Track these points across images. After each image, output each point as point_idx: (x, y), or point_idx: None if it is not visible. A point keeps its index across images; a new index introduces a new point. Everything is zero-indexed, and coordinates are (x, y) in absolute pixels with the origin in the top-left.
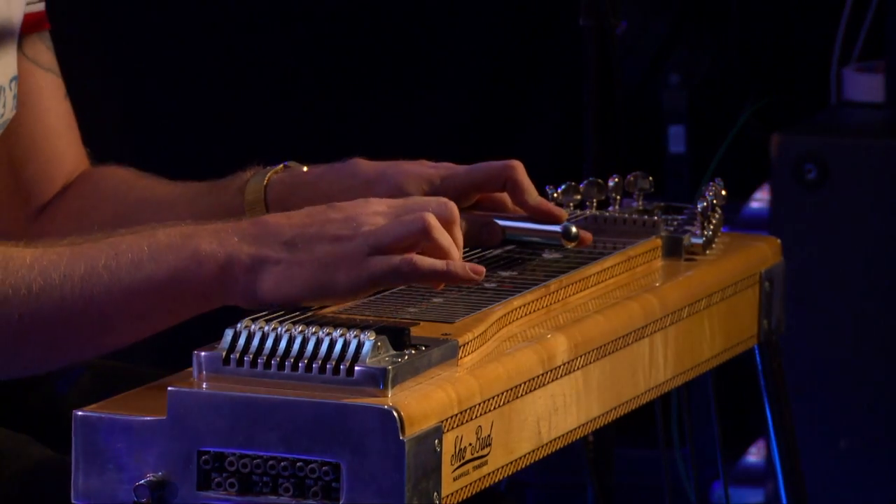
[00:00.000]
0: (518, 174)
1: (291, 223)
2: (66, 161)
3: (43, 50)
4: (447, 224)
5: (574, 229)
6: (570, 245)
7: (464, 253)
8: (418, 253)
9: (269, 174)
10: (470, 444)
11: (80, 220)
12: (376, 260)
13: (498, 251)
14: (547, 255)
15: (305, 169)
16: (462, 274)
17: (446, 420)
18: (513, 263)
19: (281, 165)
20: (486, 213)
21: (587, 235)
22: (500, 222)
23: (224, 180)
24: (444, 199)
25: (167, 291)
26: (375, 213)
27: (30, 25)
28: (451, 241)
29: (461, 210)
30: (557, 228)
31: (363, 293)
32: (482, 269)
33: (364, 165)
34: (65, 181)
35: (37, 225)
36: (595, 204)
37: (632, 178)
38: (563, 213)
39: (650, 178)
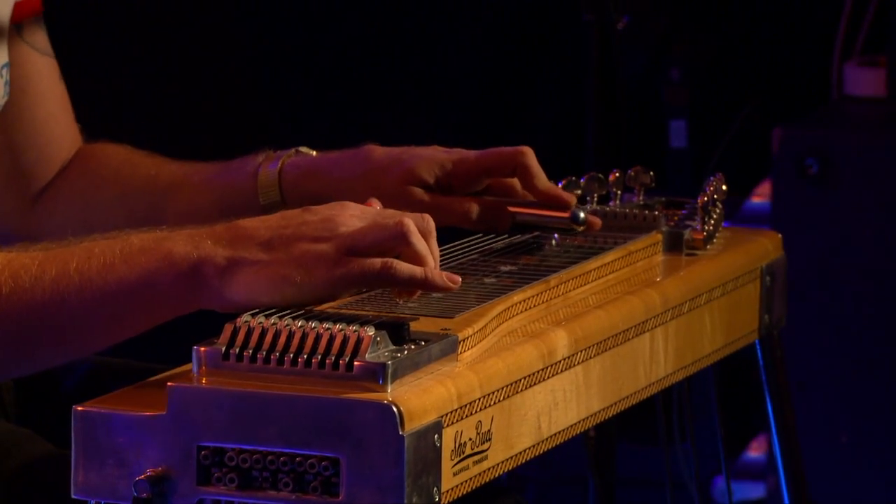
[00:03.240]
0: (528, 159)
1: (267, 226)
2: (64, 143)
3: (39, 33)
4: (424, 235)
5: (582, 214)
6: (579, 229)
7: (474, 239)
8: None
9: (282, 159)
10: (470, 439)
11: (85, 201)
12: (355, 261)
13: (500, 244)
14: (547, 250)
15: (315, 154)
16: (440, 283)
17: (446, 415)
18: (513, 258)
19: (293, 150)
20: (496, 198)
21: (595, 220)
22: (509, 207)
23: (234, 163)
24: (423, 213)
25: (139, 294)
26: (350, 215)
27: (26, 11)
28: (427, 248)
29: (472, 194)
30: (566, 214)
31: (340, 294)
32: (458, 278)
33: (377, 151)
34: (63, 161)
35: (39, 208)
36: (596, 199)
37: (632, 173)
38: (572, 198)
39: (651, 172)
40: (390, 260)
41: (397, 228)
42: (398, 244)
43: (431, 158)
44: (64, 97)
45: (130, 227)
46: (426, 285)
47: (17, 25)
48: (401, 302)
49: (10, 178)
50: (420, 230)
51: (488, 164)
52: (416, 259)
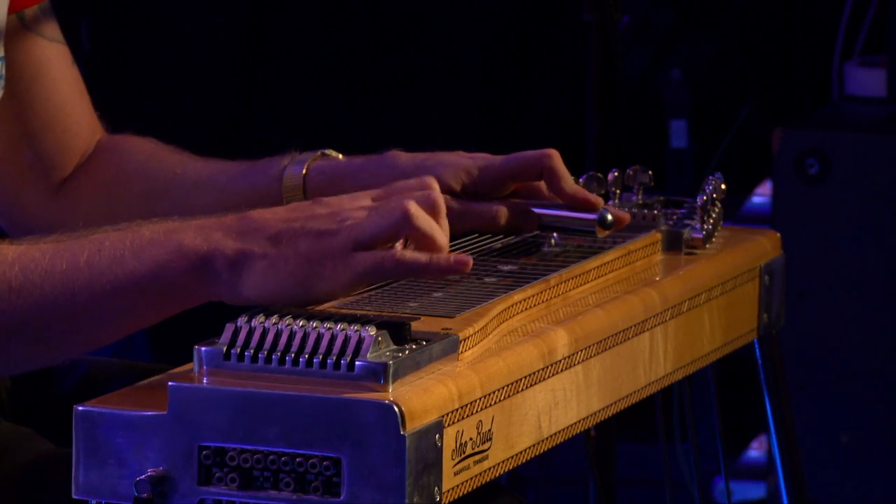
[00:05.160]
0: (554, 162)
1: (276, 218)
2: (82, 130)
3: (45, 20)
4: (432, 213)
5: (610, 217)
6: (605, 234)
7: (473, 238)
8: (404, 241)
9: (307, 162)
10: (471, 439)
11: (109, 195)
12: (361, 255)
13: (499, 244)
14: (547, 250)
15: (341, 157)
16: (446, 266)
17: (447, 415)
18: (513, 257)
19: (319, 153)
20: (523, 201)
21: (624, 217)
22: (536, 210)
23: (259, 163)
24: (429, 189)
25: (149, 287)
26: (360, 206)
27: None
28: (435, 227)
29: (499, 199)
30: (593, 216)
31: (348, 289)
32: (468, 259)
33: (402, 157)
34: (83, 150)
35: (62, 198)
36: None
37: (631, 173)
38: (600, 200)
39: (650, 172)
40: (395, 252)
41: (398, 213)
42: (403, 229)
43: (457, 165)
44: (78, 83)
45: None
46: (432, 270)
47: (20, 15)
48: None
49: (31, 169)
50: (427, 208)
51: (514, 168)
52: (424, 240)
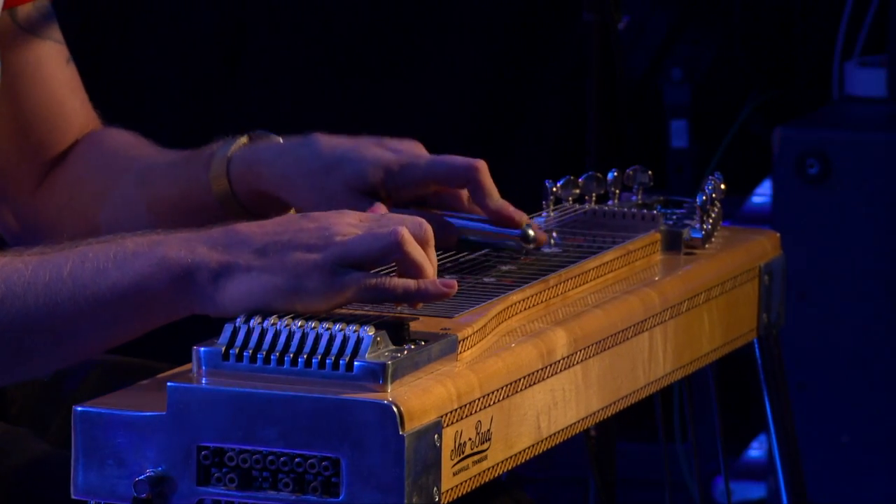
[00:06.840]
0: (481, 176)
1: (263, 231)
2: (72, 126)
3: (39, 19)
4: (421, 243)
5: (532, 232)
6: (530, 246)
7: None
8: (391, 267)
9: (232, 148)
10: (470, 439)
11: (73, 190)
12: (350, 275)
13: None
14: (546, 249)
15: (274, 139)
16: (434, 292)
17: (446, 415)
18: (512, 257)
19: (245, 137)
20: (443, 211)
21: (543, 237)
22: (457, 222)
23: (199, 150)
24: (420, 220)
25: (132, 299)
26: (349, 224)
27: None
28: (425, 256)
29: (415, 204)
30: (516, 232)
31: (332, 306)
32: (454, 283)
33: (324, 147)
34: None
35: (40, 193)
36: (594, 198)
37: (631, 173)
38: (524, 217)
39: (649, 172)
40: (385, 276)
41: (391, 238)
42: (392, 253)
43: (377, 161)
44: (72, 81)
45: (108, 221)
46: (421, 297)
47: (11, 13)
48: (398, 309)
49: (17, 166)
50: (417, 238)
51: (438, 174)
52: (412, 268)
